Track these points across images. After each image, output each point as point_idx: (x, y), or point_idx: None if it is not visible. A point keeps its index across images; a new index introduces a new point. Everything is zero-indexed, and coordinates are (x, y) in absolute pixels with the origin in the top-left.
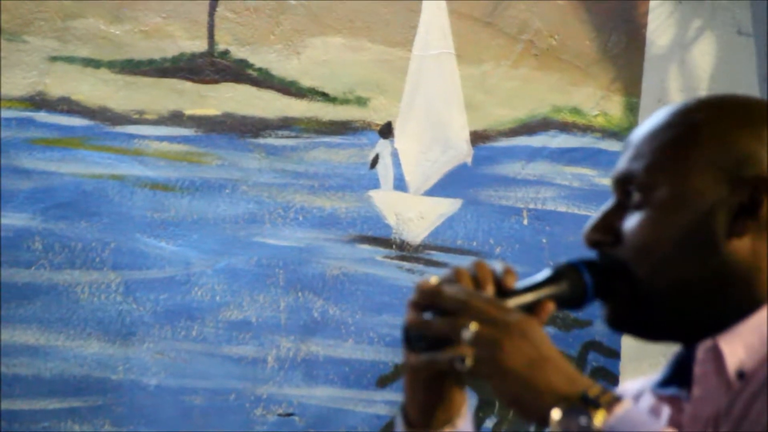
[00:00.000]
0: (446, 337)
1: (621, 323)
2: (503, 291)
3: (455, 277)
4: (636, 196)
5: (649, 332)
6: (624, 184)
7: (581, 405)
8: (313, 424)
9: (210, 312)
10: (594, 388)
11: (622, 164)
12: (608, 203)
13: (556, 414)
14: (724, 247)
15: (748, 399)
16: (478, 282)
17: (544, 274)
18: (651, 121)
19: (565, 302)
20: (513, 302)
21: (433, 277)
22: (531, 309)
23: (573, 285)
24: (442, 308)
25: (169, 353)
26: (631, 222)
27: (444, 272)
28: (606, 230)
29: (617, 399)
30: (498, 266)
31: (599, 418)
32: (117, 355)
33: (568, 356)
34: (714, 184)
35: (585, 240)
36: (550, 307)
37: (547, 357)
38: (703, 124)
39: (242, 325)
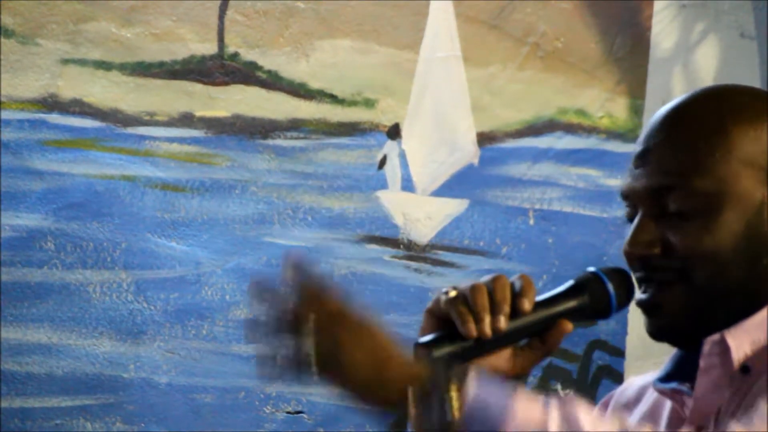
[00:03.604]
0: (290, 326)
1: (673, 333)
2: (516, 309)
3: (472, 292)
4: (680, 207)
5: (693, 340)
6: (659, 195)
7: (431, 397)
8: (321, 421)
9: (220, 311)
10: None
11: (648, 176)
12: (639, 217)
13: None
14: None
15: (751, 393)
16: (493, 299)
17: (566, 285)
18: (670, 128)
19: (590, 314)
20: (527, 320)
21: (452, 290)
22: (547, 326)
23: (596, 296)
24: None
25: (179, 352)
26: (683, 232)
27: (463, 284)
28: (651, 243)
29: (463, 380)
30: (518, 282)
31: (455, 410)
32: (128, 354)
33: (573, 354)
34: (755, 183)
35: (629, 256)
36: (567, 327)
37: (388, 351)
38: (729, 122)
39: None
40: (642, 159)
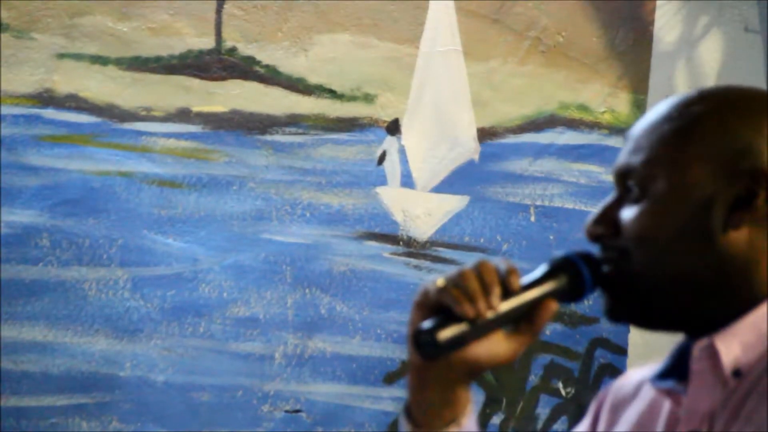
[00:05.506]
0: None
1: (618, 314)
2: (508, 290)
3: (461, 277)
4: (635, 190)
5: (646, 322)
6: (624, 177)
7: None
8: (320, 420)
9: (217, 308)
10: None
11: (621, 158)
12: (608, 197)
13: None
14: (720, 240)
15: (744, 396)
16: (484, 283)
17: (542, 269)
18: (650, 114)
19: (566, 296)
20: (518, 300)
21: (439, 279)
22: (534, 307)
23: (571, 278)
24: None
25: (176, 350)
26: (629, 213)
27: (448, 273)
28: (606, 223)
29: None
30: (502, 265)
31: None
32: (124, 352)
33: (575, 353)
34: (712, 176)
35: (586, 234)
36: (554, 306)
37: None
38: (702, 116)
39: (249, 322)
40: (624, 142)
